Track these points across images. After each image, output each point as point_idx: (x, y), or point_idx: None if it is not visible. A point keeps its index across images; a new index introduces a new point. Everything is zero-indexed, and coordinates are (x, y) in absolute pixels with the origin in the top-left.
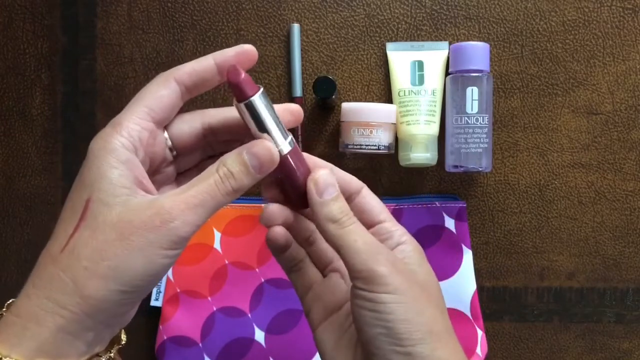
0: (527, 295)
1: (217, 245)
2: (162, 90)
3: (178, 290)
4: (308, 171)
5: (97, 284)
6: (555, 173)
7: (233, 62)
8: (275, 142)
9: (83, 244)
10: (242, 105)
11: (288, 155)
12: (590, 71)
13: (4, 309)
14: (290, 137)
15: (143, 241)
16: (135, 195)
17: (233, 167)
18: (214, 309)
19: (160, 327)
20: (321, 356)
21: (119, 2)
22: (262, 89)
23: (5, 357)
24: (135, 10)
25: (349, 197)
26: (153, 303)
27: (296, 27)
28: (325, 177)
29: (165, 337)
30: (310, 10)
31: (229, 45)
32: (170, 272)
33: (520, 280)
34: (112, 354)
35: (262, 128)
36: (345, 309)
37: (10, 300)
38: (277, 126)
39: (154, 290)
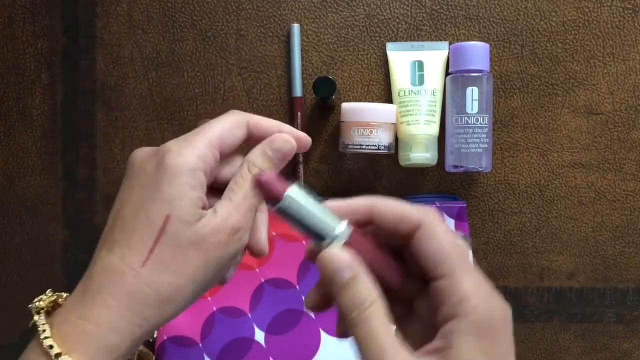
0: (527, 295)
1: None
2: (236, 131)
3: None
4: (380, 256)
5: (180, 297)
6: (555, 173)
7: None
8: (324, 243)
9: (166, 259)
10: (274, 210)
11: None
12: (590, 71)
13: (47, 303)
14: (344, 225)
15: (218, 256)
16: (202, 214)
17: (263, 165)
18: (214, 309)
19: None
20: None
21: (119, 2)
22: (290, 189)
23: None
24: (135, 10)
25: (405, 237)
26: None
27: (296, 27)
28: (333, 258)
29: (165, 337)
30: (310, 10)
31: (229, 46)
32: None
33: (520, 280)
34: (141, 347)
35: (306, 229)
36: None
37: (55, 295)
38: (325, 216)
39: None
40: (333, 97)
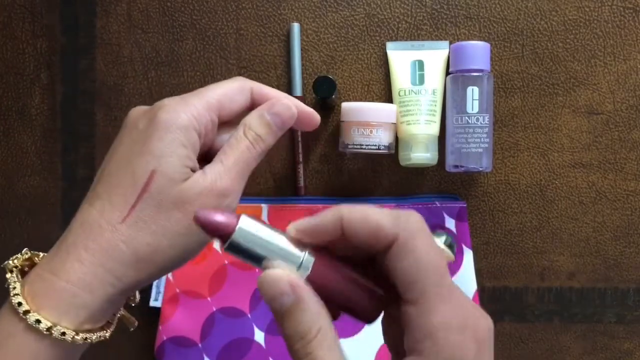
0: (527, 296)
1: (217, 245)
2: (237, 95)
3: (177, 291)
4: (349, 285)
5: (155, 259)
6: (556, 173)
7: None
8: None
9: (147, 218)
10: (225, 248)
11: (309, 280)
12: (591, 71)
13: (22, 262)
14: (304, 255)
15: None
16: (189, 174)
17: (259, 129)
18: (214, 309)
19: (160, 327)
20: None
21: (119, 1)
22: (241, 220)
23: (55, 326)
24: (135, 9)
25: (380, 251)
26: (152, 303)
27: (296, 27)
28: (271, 281)
29: (164, 338)
30: (310, 9)
31: (228, 45)
32: (169, 273)
33: (520, 281)
34: (122, 312)
35: (260, 262)
36: None
37: (28, 253)
38: (285, 244)
39: (154, 291)
40: (333, 96)
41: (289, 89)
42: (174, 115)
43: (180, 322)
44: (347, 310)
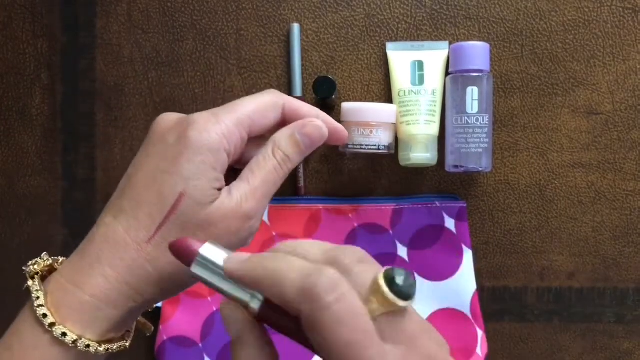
0: (527, 296)
1: None
2: (270, 112)
3: None
4: (294, 326)
5: (179, 280)
6: (555, 173)
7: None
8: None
9: (172, 239)
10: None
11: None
12: (591, 71)
13: (42, 268)
14: (250, 297)
15: (226, 242)
16: (215, 195)
17: (288, 150)
18: (214, 309)
19: (160, 327)
20: None
21: (119, 1)
22: (201, 251)
23: (81, 338)
24: (135, 10)
25: None
26: None
27: (296, 27)
28: (225, 315)
29: (165, 337)
30: (310, 10)
31: (229, 46)
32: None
33: (520, 281)
34: (139, 318)
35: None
36: None
37: (50, 259)
38: (235, 287)
39: None
40: (333, 97)
41: (289, 89)
42: (205, 136)
43: (181, 322)
44: (299, 342)
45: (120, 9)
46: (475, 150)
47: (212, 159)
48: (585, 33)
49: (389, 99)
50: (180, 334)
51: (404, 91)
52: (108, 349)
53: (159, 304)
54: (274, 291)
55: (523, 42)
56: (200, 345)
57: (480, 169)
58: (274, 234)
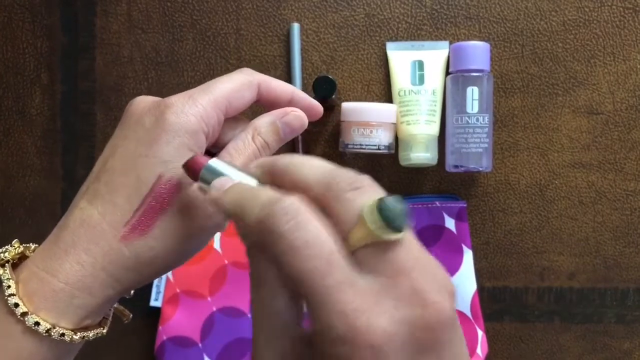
0: (527, 296)
1: (216, 245)
2: (246, 92)
3: (178, 291)
4: None
5: (157, 263)
6: (555, 173)
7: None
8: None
9: (150, 222)
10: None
11: None
12: (591, 71)
13: (12, 255)
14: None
15: (200, 228)
16: None
17: (268, 137)
18: (214, 309)
19: (160, 327)
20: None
21: (119, 1)
22: (207, 163)
23: (54, 327)
24: (135, 9)
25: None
26: (153, 303)
27: (296, 27)
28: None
29: (164, 338)
30: (310, 9)
31: (229, 45)
32: (169, 273)
33: (520, 281)
34: (116, 305)
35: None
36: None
37: (21, 246)
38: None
39: (154, 291)
40: (333, 96)
41: None
42: (182, 119)
43: (180, 322)
44: None
45: (120, 8)
46: (475, 150)
47: (191, 142)
48: (586, 33)
49: (389, 99)
50: (180, 334)
51: (404, 91)
52: (84, 336)
53: (158, 304)
54: (241, 225)
55: (523, 42)
56: (200, 345)
57: (481, 169)
58: None
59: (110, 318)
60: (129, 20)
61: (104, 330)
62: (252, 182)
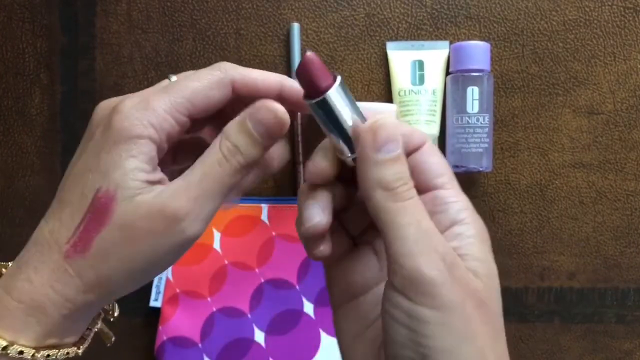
0: (527, 296)
1: (216, 245)
2: (214, 91)
3: (177, 291)
4: None
5: (101, 283)
6: (556, 173)
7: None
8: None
9: (90, 240)
10: (312, 104)
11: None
12: (591, 71)
13: None
14: None
15: (148, 247)
16: (142, 191)
17: (237, 139)
18: (214, 309)
19: (160, 327)
20: (338, 343)
21: (119, 1)
22: (339, 79)
23: (12, 345)
24: (135, 9)
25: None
26: (152, 303)
27: (296, 27)
28: (390, 127)
29: (164, 338)
30: (310, 9)
31: (228, 45)
32: (169, 273)
33: (521, 281)
34: (99, 326)
35: (337, 130)
36: (373, 296)
37: (10, 265)
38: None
39: (153, 291)
40: None
41: None
42: (126, 124)
43: (180, 322)
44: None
45: (120, 8)
46: (475, 150)
47: (133, 148)
48: (586, 32)
49: (389, 99)
50: (180, 334)
51: (404, 91)
52: (48, 355)
53: (158, 304)
54: (407, 128)
55: (524, 42)
56: (200, 345)
57: (481, 169)
58: (273, 234)
59: (88, 339)
60: (129, 20)
61: (79, 351)
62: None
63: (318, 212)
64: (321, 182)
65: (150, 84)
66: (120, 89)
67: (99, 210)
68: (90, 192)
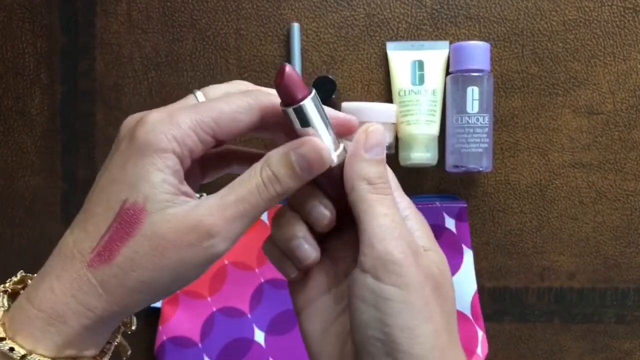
0: (527, 296)
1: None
2: (242, 115)
3: (177, 291)
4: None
5: (123, 293)
6: (556, 173)
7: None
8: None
9: (115, 249)
10: (289, 110)
11: (335, 169)
12: (591, 71)
13: (12, 285)
14: (342, 147)
15: (175, 259)
16: (174, 203)
17: (278, 169)
18: (214, 309)
19: (160, 327)
20: (307, 349)
21: (119, 1)
22: (314, 92)
23: (30, 354)
24: (135, 9)
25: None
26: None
27: (296, 27)
28: (379, 134)
29: (164, 338)
30: (310, 9)
31: (228, 45)
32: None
33: (521, 281)
34: (118, 339)
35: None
36: (335, 294)
37: (20, 275)
38: (329, 133)
39: None
40: (333, 97)
41: None
42: (151, 137)
43: (180, 322)
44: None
45: (120, 8)
46: (475, 150)
47: (159, 161)
48: (586, 33)
49: (389, 99)
50: (180, 334)
51: (404, 91)
52: None
53: (158, 304)
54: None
55: (524, 42)
56: (200, 345)
57: (481, 169)
58: None
59: (109, 353)
60: (129, 20)
61: None
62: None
63: (312, 249)
64: (328, 229)
65: (150, 84)
66: (120, 89)
67: (126, 221)
68: (116, 204)
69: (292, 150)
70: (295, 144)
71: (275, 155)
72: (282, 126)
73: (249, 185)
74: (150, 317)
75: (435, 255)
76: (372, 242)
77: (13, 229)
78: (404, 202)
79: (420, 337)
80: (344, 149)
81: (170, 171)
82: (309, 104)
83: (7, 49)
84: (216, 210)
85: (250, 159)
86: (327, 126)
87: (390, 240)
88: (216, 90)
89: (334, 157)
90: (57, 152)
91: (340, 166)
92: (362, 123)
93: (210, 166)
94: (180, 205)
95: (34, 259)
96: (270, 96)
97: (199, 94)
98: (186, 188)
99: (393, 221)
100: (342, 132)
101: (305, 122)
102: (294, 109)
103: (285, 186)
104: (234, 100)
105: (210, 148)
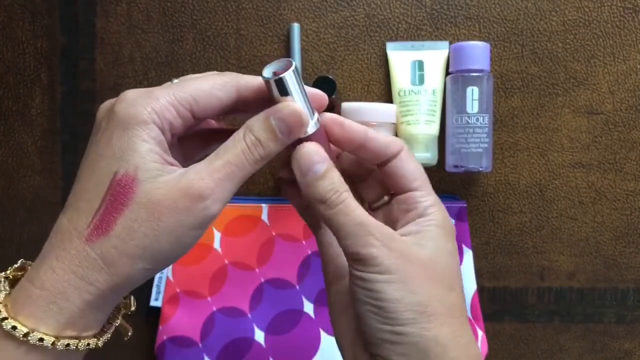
0: (527, 296)
1: (217, 245)
2: (219, 93)
3: (178, 291)
4: (333, 155)
5: (125, 262)
6: (555, 173)
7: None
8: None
9: (112, 220)
10: (272, 80)
11: (312, 137)
12: (591, 71)
13: (13, 272)
14: (316, 117)
15: (173, 223)
16: (163, 171)
17: (260, 134)
18: (214, 309)
19: (160, 327)
20: (330, 314)
21: (119, 1)
22: (294, 65)
23: (32, 332)
24: (135, 9)
25: (385, 162)
26: (153, 303)
27: (296, 27)
28: (307, 153)
29: (164, 337)
30: (310, 10)
31: (228, 45)
32: (170, 272)
33: (520, 281)
34: (119, 320)
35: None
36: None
37: (20, 262)
38: (306, 104)
39: (154, 291)
40: (333, 97)
41: None
42: (132, 111)
43: (180, 322)
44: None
45: (120, 9)
46: (475, 150)
47: (143, 132)
48: (586, 33)
49: (389, 99)
50: (180, 334)
51: (404, 91)
52: (69, 344)
53: (158, 304)
54: (384, 138)
55: (523, 42)
56: (200, 345)
57: (481, 169)
58: (273, 233)
59: (109, 332)
60: (129, 20)
61: (99, 343)
62: (308, 105)
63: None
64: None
65: (150, 84)
66: (120, 89)
67: (119, 192)
68: (106, 177)
69: (272, 116)
70: (275, 109)
71: (256, 122)
72: (258, 105)
73: (235, 150)
74: (150, 317)
75: (429, 242)
76: (345, 248)
77: (13, 229)
78: (429, 201)
79: (408, 304)
80: (318, 120)
81: (154, 142)
82: (290, 76)
83: (7, 49)
84: (206, 174)
85: (229, 135)
86: (304, 97)
87: (355, 243)
88: (193, 77)
89: (312, 124)
90: (57, 152)
91: (316, 134)
92: (362, 123)
93: (191, 146)
94: (170, 173)
95: (34, 259)
96: (247, 77)
97: (176, 81)
98: (171, 159)
99: (354, 224)
100: (314, 107)
101: (284, 92)
102: (275, 80)
103: (267, 149)
104: (211, 78)
105: (190, 127)
